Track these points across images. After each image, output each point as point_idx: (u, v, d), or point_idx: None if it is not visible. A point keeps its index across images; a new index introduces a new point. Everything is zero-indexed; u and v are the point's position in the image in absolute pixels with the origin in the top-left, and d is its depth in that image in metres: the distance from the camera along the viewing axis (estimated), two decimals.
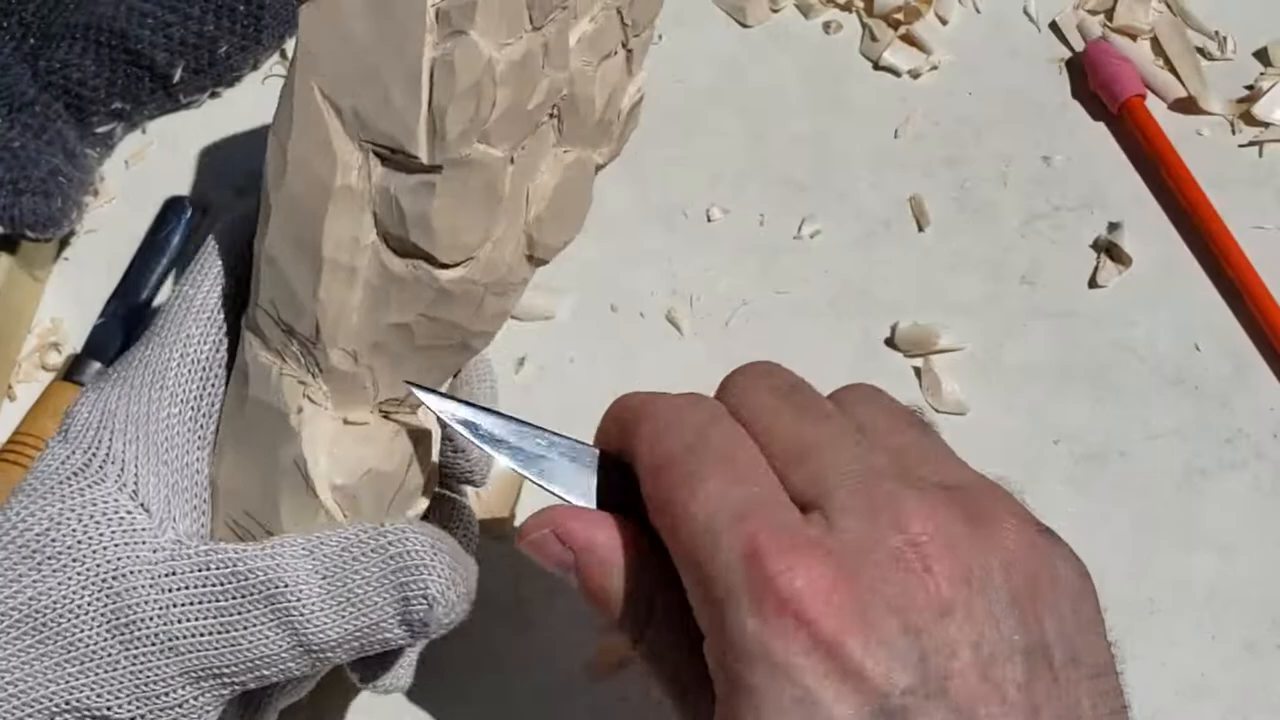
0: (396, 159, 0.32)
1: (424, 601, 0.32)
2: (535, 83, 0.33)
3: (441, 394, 0.34)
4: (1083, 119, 0.54)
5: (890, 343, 0.50)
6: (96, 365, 0.47)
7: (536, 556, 0.33)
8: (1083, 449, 0.48)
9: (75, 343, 0.49)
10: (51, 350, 0.49)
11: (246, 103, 0.54)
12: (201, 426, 0.34)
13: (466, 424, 0.34)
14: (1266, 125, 0.53)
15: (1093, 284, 0.51)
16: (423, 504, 0.36)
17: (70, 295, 0.50)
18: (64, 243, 0.51)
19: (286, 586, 0.31)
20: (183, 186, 0.52)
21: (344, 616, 0.32)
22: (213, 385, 0.34)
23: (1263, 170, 0.53)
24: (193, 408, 0.34)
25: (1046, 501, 0.47)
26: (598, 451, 0.34)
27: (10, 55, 0.51)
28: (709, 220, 0.52)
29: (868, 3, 0.56)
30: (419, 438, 0.35)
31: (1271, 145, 0.53)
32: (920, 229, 0.52)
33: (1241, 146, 0.53)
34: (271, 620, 0.32)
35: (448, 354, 0.35)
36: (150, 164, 0.53)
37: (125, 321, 0.49)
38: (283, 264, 0.33)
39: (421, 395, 0.34)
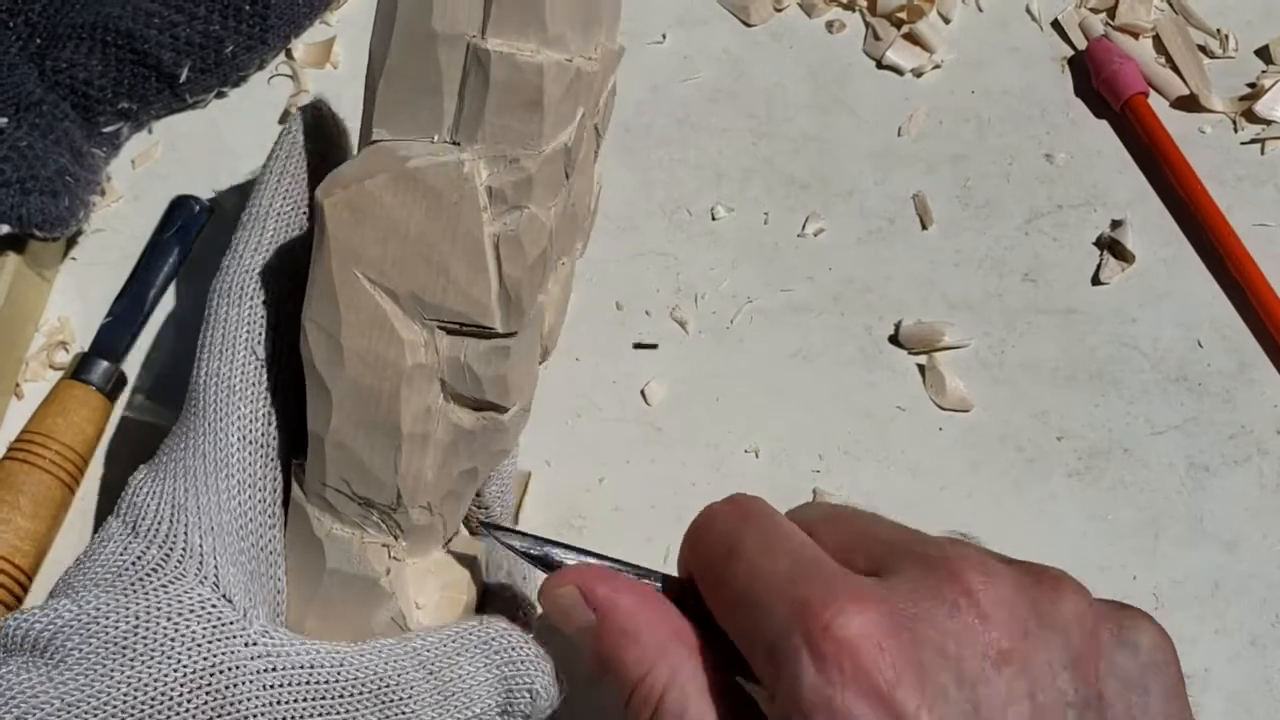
0: (467, 331, 0.33)
1: (528, 695, 0.32)
2: (573, 225, 0.35)
3: (513, 530, 0.35)
4: (1085, 117, 0.54)
5: (894, 340, 0.50)
6: (103, 364, 0.47)
7: (555, 618, 0.32)
8: (1086, 445, 0.48)
9: (82, 341, 0.49)
10: (59, 349, 0.49)
11: (252, 102, 0.54)
12: (269, 504, 0.34)
13: (542, 559, 0.34)
14: (1268, 123, 0.54)
15: (1096, 281, 0.51)
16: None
17: (77, 294, 0.51)
18: (71, 242, 0.51)
19: (396, 684, 0.31)
20: (189, 186, 0.52)
21: (451, 709, 0.32)
22: (272, 462, 0.34)
23: (1265, 167, 0.53)
24: (259, 489, 0.34)
25: (1050, 498, 0.47)
26: (665, 575, 0.34)
27: (17, 55, 0.51)
28: (714, 219, 0.52)
29: (871, 1, 0.56)
30: (475, 558, 0.37)
31: (1273, 142, 0.53)
32: (924, 227, 0.52)
33: (1243, 144, 0.54)
34: (380, 718, 0.32)
35: (491, 471, 0.37)
36: (157, 163, 0.53)
37: (132, 320, 0.49)
38: (353, 446, 0.33)
39: (501, 537, 0.34)
